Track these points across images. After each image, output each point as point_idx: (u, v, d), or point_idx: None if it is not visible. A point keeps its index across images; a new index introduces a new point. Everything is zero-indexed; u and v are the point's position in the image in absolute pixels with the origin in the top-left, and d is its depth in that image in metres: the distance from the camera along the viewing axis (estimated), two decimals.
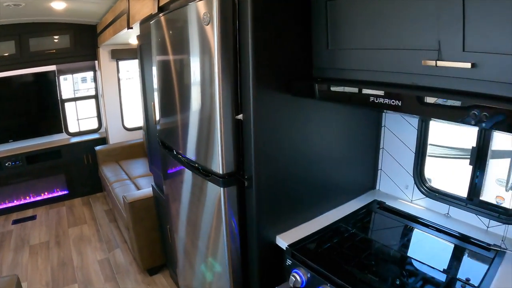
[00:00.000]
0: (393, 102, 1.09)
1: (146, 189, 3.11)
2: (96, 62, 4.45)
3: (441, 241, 1.57)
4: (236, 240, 1.55)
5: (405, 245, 1.57)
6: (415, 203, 1.91)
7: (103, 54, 4.31)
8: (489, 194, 1.59)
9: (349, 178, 1.89)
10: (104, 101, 4.51)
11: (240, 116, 1.36)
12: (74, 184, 4.51)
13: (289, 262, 1.50)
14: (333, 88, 1.28)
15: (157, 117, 2.04)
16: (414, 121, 1.81)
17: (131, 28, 2.82)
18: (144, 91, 2.58)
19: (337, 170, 1.78)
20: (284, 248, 1.52)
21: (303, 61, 1.44)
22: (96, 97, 4.72)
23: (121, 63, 4.56)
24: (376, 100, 1.11)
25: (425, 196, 1.87)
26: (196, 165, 1.61)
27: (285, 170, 1.51)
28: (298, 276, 1.44)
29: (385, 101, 1.10)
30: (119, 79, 4.56)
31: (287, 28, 1.35)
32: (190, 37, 1.44)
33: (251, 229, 1.53)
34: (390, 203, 1.91)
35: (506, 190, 1.51)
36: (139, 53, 2.53)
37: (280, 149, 1.45)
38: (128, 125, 4.81)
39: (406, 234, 1.67)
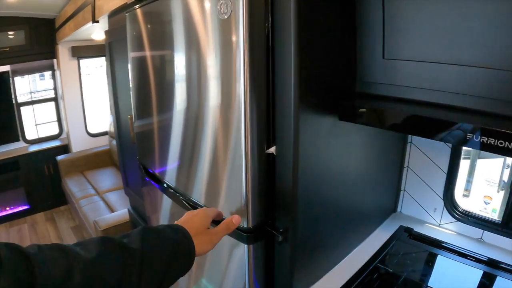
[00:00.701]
0: (501, 143, 0.77)
1: (119, 211, 2.71)
2: (55, 60, 3.87)
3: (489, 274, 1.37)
4: None
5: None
6: (443, 227, 1.70)
7: (63, 51, 3.78)
8: None
9: (373, 203, 1.64)
10: (65, 104, 3.97)
11: (272, 149, 0.99)
12: (35, 197, 3.99)
13: None
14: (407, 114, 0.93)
15: (136, 136, 1.61)
16: None
17: (97, 21, 2.38)
18: (115, 95, 2.16)
19: (362, 195, 1.51)
20: None
21: (344, 72, 1.09)
22: (55, 99, 4.14)
23: (83, 61, 4.00)
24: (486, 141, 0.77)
25: (455, 220, 1.67)
26: None
27: (323, 211, 1.21)
28: None
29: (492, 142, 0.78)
30: (81, 80, 4.02)
31: (331, 26, 1.01)
32: (196, 36, 1.04)
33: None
34: (418, 228, 1.69)
35: None
36: (108, 51, 2.11)
37: (320, 187, 1.12)
38: (92, 130, 4.29)
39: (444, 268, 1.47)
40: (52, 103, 4.23)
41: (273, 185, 1.08)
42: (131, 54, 1.56)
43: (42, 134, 4.21)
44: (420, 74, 1.02)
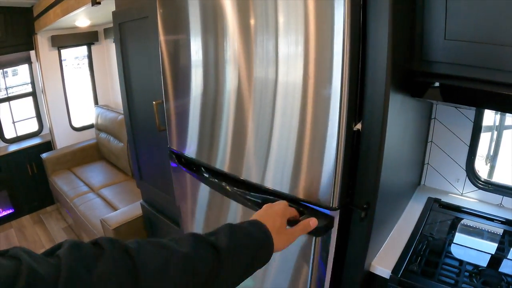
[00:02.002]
0: None
1: (126, 207, 2.58)
2: (33, 52, 3.61)
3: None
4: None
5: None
6: (466, 196, 1.82)
7: (42, 42, 3.56)
8: None
9: (406, 178, 1.72)
10: (47, 98, 3.75)
11: (359, 126, 0.99)
12: (19, 200, 3.77)
13: None
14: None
15: (170, 123, 1.55)
16: (470, 112, 1.70)
17: (98, 3, 2.22)
18: (127, 80, 2.05)
19: (402, 171, 1.59)
20: (388, 277, 1.30)
21: (409, 51, 1.13)
22: (33, 94, 3.87)
23: (64, 51, 3.77)
24: None
25: (477, 189, 1.79)
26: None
27: (386, 186, 1.24)
28: None
29: None
30: (62, 71, 3.79)
31: (403, 5, 1.05)
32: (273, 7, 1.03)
33: (350, 268, 1.29)
34: (443, 199, 1.79)
35: None
36: (118, 33, 1.99)
37: (386, 162, 1.15)
38: (77, 124, 4.07)
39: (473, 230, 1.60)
40: (30, 99, 3.94)
41: (354, 162, 1.08)
42: (165, 37, 1.48)
43: (21, 132, 3.93)
44: (481, 54, 1.07)
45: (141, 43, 1.92)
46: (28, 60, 3.81)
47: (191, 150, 1.49)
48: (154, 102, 1.59)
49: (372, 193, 1.12)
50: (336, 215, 1.17)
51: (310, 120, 1.05)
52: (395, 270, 1.29)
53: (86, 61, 4.14)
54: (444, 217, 1.68)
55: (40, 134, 4.11)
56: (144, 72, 1.95)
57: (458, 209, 1.70)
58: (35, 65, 3.79)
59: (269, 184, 1.25)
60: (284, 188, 1.21)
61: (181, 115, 1.51)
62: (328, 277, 1.27)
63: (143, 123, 2.09)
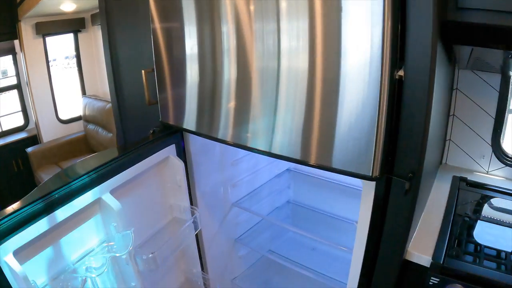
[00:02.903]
0: None
1: None
2: (17, 42, 3.34)
3: None
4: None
5: None
6: (491, 174, 1.65)
7: (26, 29, 3.29)
8: None
9: (435, 152, 1.52)
10: (31, 89, 3.47)
11: (401, 72, 0.78)
12: (4, 197, 3.47)
13: (434, 280, 1.08)
14: None
15: (164, 93, 1.33)
16: (495, 81, 1.52)
17: None
18: (113, 65, 1.81)
19: (433, 140, 1.38)
20: (428, 265, 1.10)
21: None
22: (18, 87, 3.59)
23: (49, 39, 3.49)
24: None
25: (504, 166, 1.62)
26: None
27: (428, 155, 1.04)
28: None
29: None
30: (48, 60, 3.52)
31: None
32: None
33: (386, 255, 1.07)
34: (470, 177, 1.61)
35: None
36: (104, 13, 1.75)
37: (432, 125, 0.96)
38: (64, 116, 3.80)
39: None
40: (14, 92, 3.65)
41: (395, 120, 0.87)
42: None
43: (6, 127, 3.64)
44: None
45: (129, 21, 1.69)
46: (12, 51, 3.53)
47: (189, 122, 1.27)
48: (143, 71, 1.36)
49: (418, 159, 0.90)
50: (371, 188, 0.96)
51: (352, 71, 0.83)
52: (435, 257, 1.09)
53: (76, 60, 3.89)
54: (475, 197, 1.50)
55: (26, 129, 3.82)
56: (131, 53, 1.73)
57: (487, 187, 1.52)
58: (20, 56, 3.51)
59: (281, 150, 1.05)
60: (298, 154, 1.00)
61: (176, 84, 1.29)
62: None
63: (132, 110, 1.87)
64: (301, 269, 1.69)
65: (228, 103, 1.13)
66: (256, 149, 1.10)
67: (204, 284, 1.55)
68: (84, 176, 1.02)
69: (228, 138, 1.17)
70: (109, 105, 3.29)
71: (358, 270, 1.09)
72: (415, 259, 1.11)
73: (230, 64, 1.09)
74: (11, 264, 0.82)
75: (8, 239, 0.84)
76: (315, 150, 0.97)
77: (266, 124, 1.04)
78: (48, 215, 0.93)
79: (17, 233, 0.86)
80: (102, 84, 3.91)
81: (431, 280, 1.09)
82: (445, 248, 1.13)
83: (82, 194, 1.01)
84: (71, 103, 3.94)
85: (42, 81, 3.60)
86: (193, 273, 1.52)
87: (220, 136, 1.19)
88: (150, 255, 1.16)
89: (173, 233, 1.39)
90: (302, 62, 0.92)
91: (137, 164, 1.17)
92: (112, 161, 1.10)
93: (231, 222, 1.67)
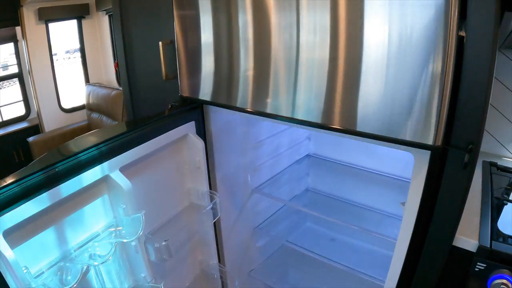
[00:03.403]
0: None
1: None
2: (19, 29, 3.20)
3: None
4: None
5: None
6: None
7: (28, 15, 3.17)
8: None
9: None
10: (34, 78, 3.33)
11: (462, 33, 0.68)
12: None
13: (480, 266, 1.00)
14: None
15: (182, 66, 1.23)
16: None
17: None
18: (124, 40, 1.70)
19: None
20: (475, 250, 1.00)
21: None
22: (20, 76, 3.46)
23: (52, 25, 3.36)
24: None
25: None
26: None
27: None
28: (509, 281, 0.94)
29: None
30: (50, 47, 3.39)
31: None
32: None
33: (436, 237, 0.98)
34: (500, 163, 1.51)
35: None
36: None
37: None
38: (66, 105, 3.68)
39: None
40: (15, 81, 3.53)
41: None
42: None
43: (6, 117, 3.52)
44: None
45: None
46: (13, 38, 3.40)
47: (210, 93, 1.16)
48: (160, 43, 1.25)
49: (478, 129, 0.81)
50: (424, 162, 0.87)
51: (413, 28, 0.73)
52: (482, 241, 1.00)
53: (78, 54, 3.76)
54: (507, 181, 1.40)
55: (28, 118, 3.70)
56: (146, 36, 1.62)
57: None
58: (21, 44, 3.38)
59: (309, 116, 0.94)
60: (336, 120, 0.90)
61: (197, 54, 1.18)
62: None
63: (145, 91, 1.75)
64: (321, 258, 1.61)
65: (248, 70, 1.03)
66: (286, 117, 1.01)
67: (220, 277, 1.45)
68: (93, 149, 0.89)
69: (249, 106, 1.07)
70: (115, 91, 3.18)
71: (402, 258, 1.00)
72: (460, 244, 1.02)
73: (248, 26, 1.00)
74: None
75: None
76: (361, 116, 0.88)
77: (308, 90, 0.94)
78: (48, 191, 0.80)
79: (9, 210, 0.73)
80: (106, 72, 3.79)
81: (477, 266, 1.00)
82: (489, 232, 1.04)
83: (89, 169, 0.88)
84: (74, 91, 3.82)
85: (44, 69, 3.48)
86: (209, 265, 1.41)
87: (240, 105, 1.09)
88: (163, 243, 1.04)
89: (189, 220, 1.28)
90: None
91: (151, 140, 1.04)
92: (124, 135, 0.98)
93: (250, 210, 1.57)
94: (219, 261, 1.44)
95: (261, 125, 1.50)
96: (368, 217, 1.71)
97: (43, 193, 0.79)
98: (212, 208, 1.26)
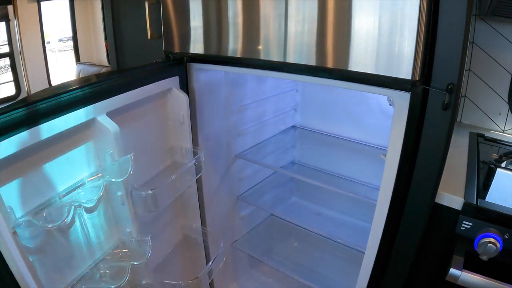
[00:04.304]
0: None
1: None
2: (10, 8, 3.10)
3: None
4: None
5: None
6: (508, 133, 1.53)
7: None
8: None
9: None
10: (24, 58, 3.23)
11: None
12: None
13: (466, 225, 0.96)
14: None
15: (169, 22, 1.16)
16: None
17: None
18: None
19: None
20: (460, 208, 0.96)
21: None
22: (11, 55, 3.36)
23: (44, 5, 3.28)
24: None
25: None
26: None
27: None
28: (496, 240, 0.90)
29: None
30: (42, 27, 3.29)
31: None
32: None
33: (420, 190, 0.94)
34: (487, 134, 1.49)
35: None
36: None
37: None
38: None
39: None
40: (6, 60, 3.43)
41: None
42: None
43: None
44: None
45: None
46: (5, 18, 3.29)
47: (196, 45, 1.10)
48: (146, 3, 1.18)
49: (458, 69, 0.77)
50: (405, 105, 0.82)
51: None
52: (468, 198, 0.95)
53: (70, 43, 3.67)
54: (496, 150, 1.36)
55: (18, 99, 3.60)
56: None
57: (506, 144, 1.39)
58: (13, 23, 3.28)
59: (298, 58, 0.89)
60: (318, 59, 0.84)
61: (183, 9, 1.11)
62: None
63: (131, 50, 1.69)
64: (307, 231, 1.55)
65: (237, 17, 0.98)
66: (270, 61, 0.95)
67: (203, 241, 1.39)
68: (78, 90, 0.84)
69: (239, 54, 1.02)
70: (104, 69, 3.10)
71: (385, 211, 0.95)
72: (444, 201, 0.97)
73: None
74: None
75: None
76: (341, 54, 0.82)
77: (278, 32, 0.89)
78: (29, 129, 0.75)
79: None
80: (97, 51, 3.71)
81: (463, 225, 0.95)
82: (475, 190, 0.99)
83: (72, 110, 0.83)
84: (65, 71, 3.73)
85: (35, 50, 3.38)
86: (192, 228, 1.36)
87: (230, 54, 1.03)
88: (150, 192, 0.99)
89: (172, 179, 1.22)
90: None
91: (136, 89, 0.99)
92: (109, 80, 0.93)
93: (234, 176, 1.51)
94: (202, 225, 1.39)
95: (246, 87, 1.44)
96: (356, 190, 1.66)
97: (23, 131, 0.73)
98: (195, 164, 1.20)
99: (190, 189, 1.27)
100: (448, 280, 0.92)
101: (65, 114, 0.81)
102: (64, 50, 3.72)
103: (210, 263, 1.27)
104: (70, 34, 3.62)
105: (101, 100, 0.89)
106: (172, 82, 1.13)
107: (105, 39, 3.54)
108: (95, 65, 3.45)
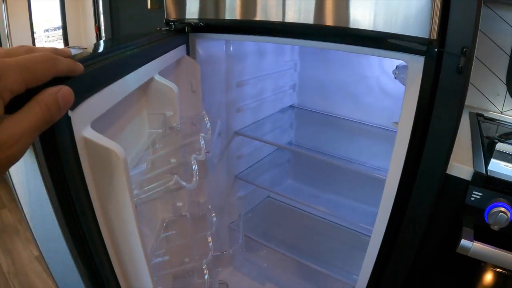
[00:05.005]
0: None
1: None
2: None
3: None
4: None
5: None
6: (506, 114, 1.51)
7: None
8: None
9: None
10: (12, 43, 3.09)
11: None
12: None
13: (476, 195, 0.92)
14: None
15: None
16: (510, 17, 1.39)
17: None
18: None
19: None
20: (469, 178, 0.92)
21: None
22: None
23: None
24: None
25: None
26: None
27: None
28: (507, 209, 0.86)
29: None
30: (30, 9, 3.16)
31: None
32: None
33: (432, 157, 0.89)
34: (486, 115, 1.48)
35: None
36: None
37: None
38: None
39: None
40: None
41: None
42: None
43: None
44: None
45: None
46: None
47: (192, 13, 1.03)
48: None
49: (472, 32, 0.73)
50: (420, 65, 0.78)
51: None
52: (477, 167, 0.92)
53: (57, 33, 3.53)
54: (495, 129, 1.35)
55: None
56: None
57: (504, 123, 1.39)
58: (1, 5, 3.14)
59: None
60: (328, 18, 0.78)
61: None
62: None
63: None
64: (306, 212, 1.51)
65: None
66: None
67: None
68: (138, 47, 0.74)
69: (238, 16, 0.96)
70: None
71: (396, 181, 0.90)
72: (454, 172, 0.93)
73: None
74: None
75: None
76: (344, 12, 0.78)
77: None
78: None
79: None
80: (86, 36, 3.60)
81: (473, 195, 0.91)
82: (483, 161, 0.96)
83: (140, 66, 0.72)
84: None
85: (23, 32, 3.25)
86: (199, 203, 1.27)
87: (228, 17, 0.97)
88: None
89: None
90: None
91: (168, 53, 0.91)
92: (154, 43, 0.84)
93: (232, 154, 1.45)
94: None
95: (246, 63, 1.39)
96: (355, 172, 1.62)
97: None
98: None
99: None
100: (459, 252, 0.88)
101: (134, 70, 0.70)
102: (51, 41, 3.59)
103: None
104: (58, 24, 3.49)
105: (154, 59, 0.80)
106: (182, 51, 1.06)
107: (95, 23, 3.43)
108: (84, 48, 3.33)
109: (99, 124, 0.55)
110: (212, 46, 1.20)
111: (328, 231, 1.64)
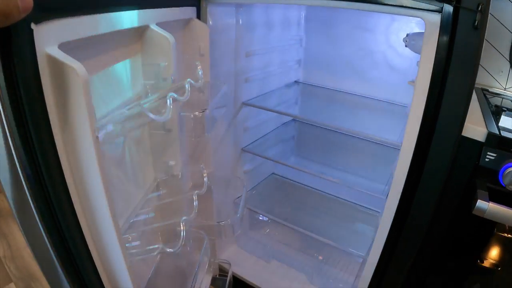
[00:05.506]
0: None
1: None
2: None
3: None
4: None
5: None
6: (509, 91, 1.51)
7: None
8: None
9: None
10: None
11: None
12: None
13: (491, 156, 0.92)
14: None
15: None
16: None
17: None
18: None
19: None
20: (483, 139, 0.92)
21: None
22: None
23: None
24: None
25: None
26: None
27: None
28: None
29: None
30: None
31: None
32: None
33: (448, 115, 0.88)
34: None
35: None
36: None
37: None
38: None
39: None
40: None
41: None
42: None
43: None
44: None
45: None
46: None
47: None
48: None
49: None
50: (437, 22, 0.77)
51: None
52: (490, 128, 0.91)
53: None
54: (501, 101, 1.34)
55: None
56: None
57: (510, 98, 1.38)
58: None
59: None
60: None
61: None
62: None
63: None
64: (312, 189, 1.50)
65: None
66: None
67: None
68: None
69: None
70: None
71: (414, 139, 0.89)
72: (468, 133, 0.93)
73: None
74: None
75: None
76: None
77: None
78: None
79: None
80: None
81: (487, 156, 0.91)
82: (495, 125, 0.96)
83: (130, 8, 0.69)
84: None
85: None
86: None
87: None
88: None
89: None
90: None
91: (172, 8, 0.89)
92: None
93: (239, 125, 1.43)
94: None
95: (254, 33, 1.37)
96: (361, 146, 1.61)
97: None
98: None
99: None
100: (474, 213, 0.88)
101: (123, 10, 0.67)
102: None
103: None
104: None
105: (152, 8, 0.78)
106: (192, 12, 1.03)
107: None
108: None
109: (78, 53, 0.53)
110: (223, 13, 1.18)
111: (334, 207, 1.63)
